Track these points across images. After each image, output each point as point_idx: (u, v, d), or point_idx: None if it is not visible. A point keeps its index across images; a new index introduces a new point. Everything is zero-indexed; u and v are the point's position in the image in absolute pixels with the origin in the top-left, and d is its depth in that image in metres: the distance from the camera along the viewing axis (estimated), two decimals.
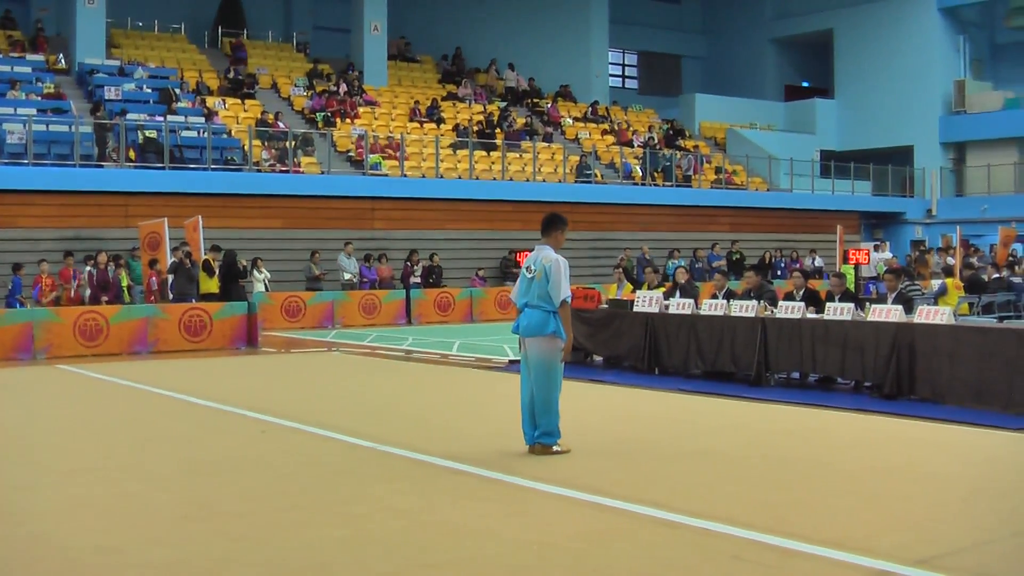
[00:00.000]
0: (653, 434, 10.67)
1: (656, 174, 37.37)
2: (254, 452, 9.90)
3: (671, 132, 42.04)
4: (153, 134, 27.68)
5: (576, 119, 40.99)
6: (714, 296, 16.17)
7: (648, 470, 8.90)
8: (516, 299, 9.86)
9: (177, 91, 31.16)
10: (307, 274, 27.40)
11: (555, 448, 9.48)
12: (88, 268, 23.01)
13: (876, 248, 34.32)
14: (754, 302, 14.92)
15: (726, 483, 8.34)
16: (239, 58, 36.60)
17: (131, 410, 12.94)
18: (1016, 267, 25.32)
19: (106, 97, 29.78)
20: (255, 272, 25.97)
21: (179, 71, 34.14)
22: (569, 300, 9.54)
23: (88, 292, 22.67)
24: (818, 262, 35.31)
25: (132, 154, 27.19)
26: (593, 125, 40.81)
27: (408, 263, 28.77)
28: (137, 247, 24.33)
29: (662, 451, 9.73)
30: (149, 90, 31.06)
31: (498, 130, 35.97)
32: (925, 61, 44.69)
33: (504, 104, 39.37)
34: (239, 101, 32.88)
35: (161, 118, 28.54)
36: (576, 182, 34.63)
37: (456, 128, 35.44)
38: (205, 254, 23.08)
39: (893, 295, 14.71)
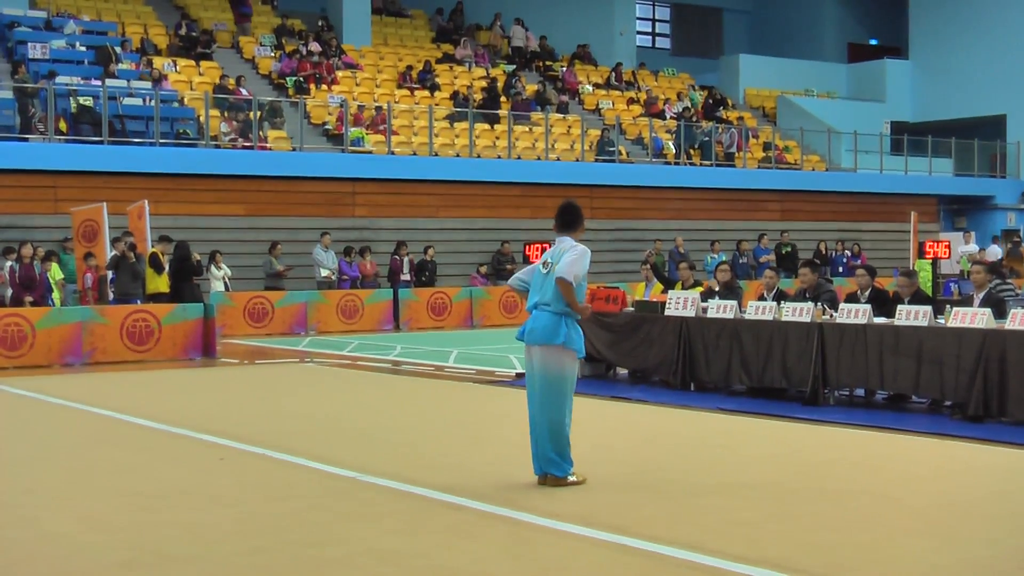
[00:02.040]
0: (687, 462, 10.68)
1: (692, 151, 37.38)
2: (210, 483, 9.92)
3: (710, 101, 42.06)
4: (88, 102, 27.71)
5: (597, 86, 41.03)
6: (762, 297, 16.16)
7: (680, 505, 8.90)
8: (525, 291, 9.85)
9: (117, 50, 31.19)
10: (266, 270, 27.40)
11: (569, 479, 9.47)
12: (9, 263, 23.03)
13: (965, 239, 34.31)
14: (810, 304, 14.91)
15: (773, 521, 8.35)
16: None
17: (61, 434, 12.97)
18: None
19: (30, 56, 29.82)
20: (212, 268, 26.02)
21: (120, 26, 34.21)
22: (572, 282, 9.32)
23: (9, 292, 22.70)
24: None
25: (63, 125, 27.22)
26: (617, 93, 40.83)
27: (396, 257, 28.81)
28: (70, 238, 24.37)
29: (697, 482, 9.74)
30: (83, 48, 31.10)
31: (503, 99, 36.00)
32: (1021, 13, 44.52)
33: (511, 68, 39.39)
34: (193, 63, 32.92)
35: (98, 82, 28.57)
36: (596, 161, 34.65)
37: (453, 96, 35.46)
38: (152, 246, 23.11)
39: (980, 295, 14.65)
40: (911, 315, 13.73)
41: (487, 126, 34.31)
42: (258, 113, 29.96)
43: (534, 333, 9.52)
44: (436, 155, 31.90)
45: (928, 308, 13.78)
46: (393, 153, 31.27)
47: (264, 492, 9.54)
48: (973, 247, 34.30)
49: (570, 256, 9.39)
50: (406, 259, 28.88)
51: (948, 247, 30.77)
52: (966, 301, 15.23)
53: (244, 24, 37.03)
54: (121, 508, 8.96)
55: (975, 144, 42.91)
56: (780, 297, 16.02)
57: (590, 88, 40.48)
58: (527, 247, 18.09)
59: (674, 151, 36.92)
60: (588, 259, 9.54)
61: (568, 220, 9.79)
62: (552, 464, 9.44)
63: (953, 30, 46.00)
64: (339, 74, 34.68)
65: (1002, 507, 8.97)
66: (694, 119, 39.13)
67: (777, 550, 7.53)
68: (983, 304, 14.09)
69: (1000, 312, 13.57)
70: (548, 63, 41.56)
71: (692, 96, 41.86)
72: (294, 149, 30.18)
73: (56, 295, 23.24)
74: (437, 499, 9.14)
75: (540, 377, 9.52)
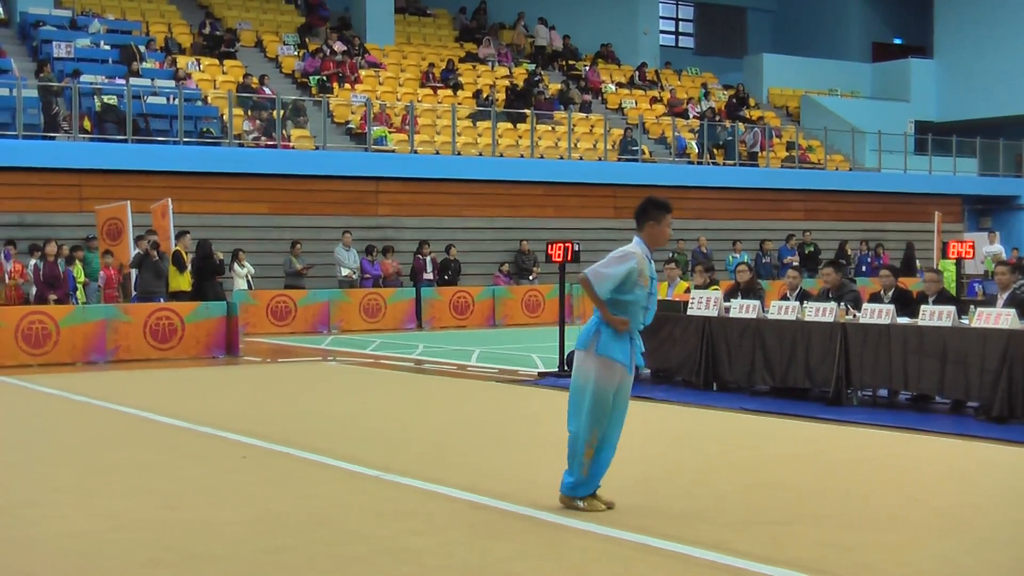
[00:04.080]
0: (709, 462, 10.66)
1: (716, 151, 37.32)
2: (234, 482, 9.95)
3: (734, 100, 41.98)
4: (113, 100, 27.82)
5: (620, 85, 40.99)
6: (784, 297, 16.13)
7: (704, 505, 8.89)
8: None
9: (142, 49, 31.30)
10: (286, 269, 27.47)
11: (577, 502, 8.64)
12: (34, 261, 23.16)
13: (990, 239, 34.13)
14: (833, 304, 14.87)
15: (797, 521, 8.33)
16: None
17: (86, 432, 13.02)
18: None
19: (55, 55, 29.96)
20: (236, 266, 26.08)
21: (144, 25, 34.31)
22: (589, 278, 8.63)
23: (33, 289, 22.80)
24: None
25: (87, 124, 27.34)
26: (640, 92, 40.79)
27: (418, 256, 28.84)
28: (94, 236, 24.45)
29: (721, 482, 9.72)
30: (107, 47, 31.22)
31: (528, 98, 35.97)
32: None
33: (534, 67, 39.39)
34: (216, 62, 33.01)
35: (122, 81, 28.69)
36: (619, 160, 34.62)
37: (476, 96, 35.48)
38: (175, 244, 23.18)
39: (1005, 295, 14.59)
40: (935, 315, 13.68)
41: (510, 125, 34.30)
42: (281, 112, 30.01)
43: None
44: (459, 154, 31.92)
45: (952, 308, 13.73)
46: (416, 152, 31.31)
47: (287, 490, 9.55)
48: (998, 247, 34.16)
49: (608, 257, 8.78)
50: (428, 258, 28.91)
51: (972, 247, 30.60)
52: (990, 301, 15.18)
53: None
54: (145, 506, 8.98)
55: (1000, 144, 42.71)
56: (803, 297, 15.99)
57: (613, 87, 40.45)
58: (549, 246, 18.05)
59: (697, 151, 36.88)
60: (625, 264, 8.67)
61: (637, 217, 9.04)
62: (566, 484, 8.73)
63: (978, 29, 45.80)
64: (362, 73, 34.72)
65: None
66: (718, 119, 39.06)
67: (802, 551, 7.51)
68: (1007, 304, 14.04)
69: None
70: (572, 62, 41.53)
71: (701, 96, 41.66)
72: (317, 148, 30.23)
73: (80, 293, 23.36)
74: (460, 498, 9.14)
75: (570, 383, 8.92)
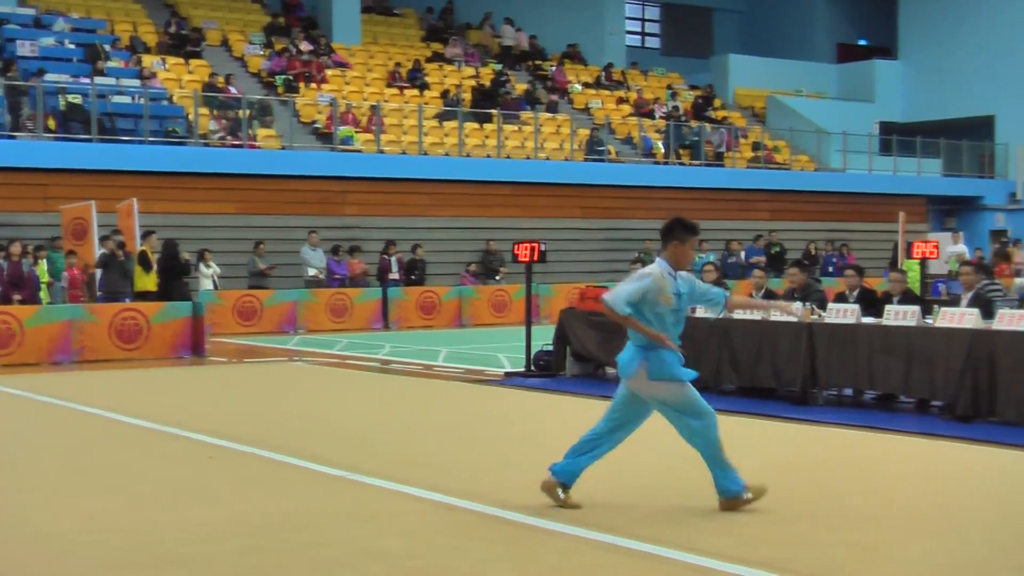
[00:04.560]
0: (678, 462, 10.68)
1: (682, 151, 37.42)
2: (201, 483, 9.92)
3: (700, 101, 42.08)
4: (78, 100, 27.68)
5: (586, 85, 41.03)
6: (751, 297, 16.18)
7: (673, 505, 8.92)
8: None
9: (107, 48, 31.16)
10: (250, 269, 27.38)
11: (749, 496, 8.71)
12: None
13: (954, 239, 34.30)
14: (799, 304, 14.94)
15: (765, 521, 8.36)
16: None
17: (51, 433, 12.95)
18: None
19: (19, 54, 29.75)
20: (202, 266, 26.00)
21: (109, 23, 34.14)
22: (608, 302, 8.62)
23: None
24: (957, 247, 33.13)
25: (52, 123, 27.17)
26: (607, 92, 40.83)
27: (385, 256, 28.81)
28: (59, 236, 24.33)
29: (689, 483, 9.73)
30: (72, 46, 31.04)
31: (495, 98, 35.97)
32: (1011, 13, 44.51)
33: (501, 67, 39.39)
34: (182, 61, 32.88)
35: (87, 80, 28.53)
36: (586, 160, 34.67)
37: (443, 96, 35.45)
38: (141, 244, 23.08)
39: (969, 296, 14.70)
40: (900, 315, 13.77)
41: (477, 125, 34.31)
42: (247, 111, 29.93)
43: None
44: (425, 154, 31.91)
45: (917, 308, 13.83)
46: (383, 152, 31.27)
47: (256, 492, 9.53)
48: (962, 247, 34.35)
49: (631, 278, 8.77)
50: (395, 258, 28.89)
51: (936, 247, 30.79)
52: (955, 301, 15.29)
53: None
54: (113, 507, 8.95)
55: (964, 145, 43.02)
56: (769, 297, 16.04)
57: (580, 87, 40.49)
58: (516, 246, 18.08)
59: (663, 151, 36.95)
60: (640, 282, 8.66)
61: (662, 236, 9.10)
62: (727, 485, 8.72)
63: (943, 31, 46.04)
64: (329, 73, 34.66)
65: (993, 508, 8.99)
66: (684, 119, 39.17)
67: (771, 550, 7.54)
68: (971, 304, 14.13)
69: (988, 312, 13.62)
70: (538, 62, 41.55)
71: (667, 96, 41.72)
72: (284, 148, 30.16)
73: (43, 293, 23.23)
74: (430, 499, 9.14)
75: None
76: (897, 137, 42.12)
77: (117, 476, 10.22)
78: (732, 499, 8.62)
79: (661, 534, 7.93)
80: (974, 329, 13.01)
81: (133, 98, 28.72)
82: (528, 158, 33.67)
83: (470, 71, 38.31)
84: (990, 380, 12.81)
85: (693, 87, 44.45)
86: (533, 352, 17.98)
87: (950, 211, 43.11)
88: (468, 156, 32.70)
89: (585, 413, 13.65)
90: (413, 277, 29.15)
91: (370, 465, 10.47)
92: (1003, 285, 17.86)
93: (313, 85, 33.56)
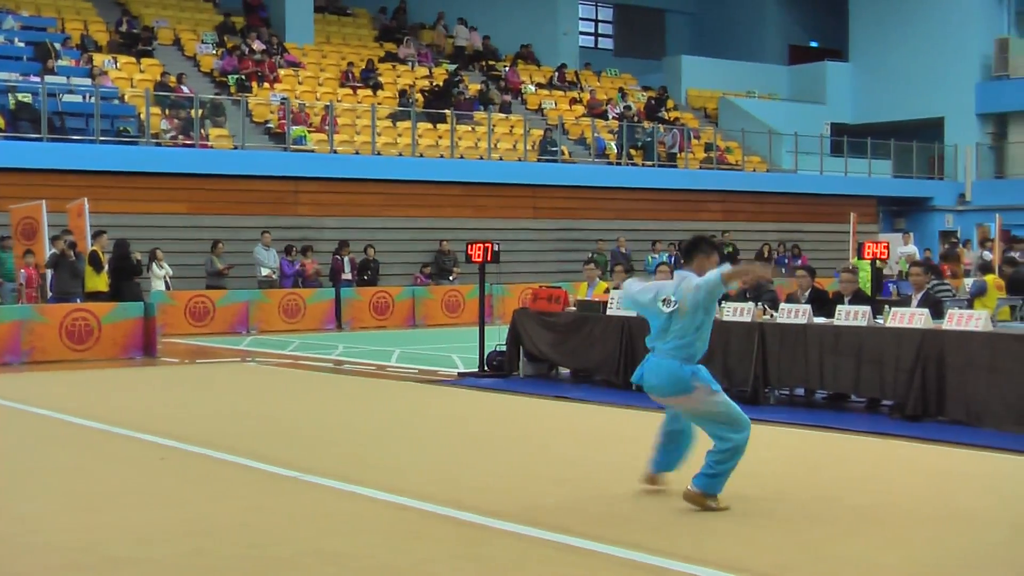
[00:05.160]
0: (629, 462, 10.69)
1: (634, 152, 37.50)
2: (151, 484, 9.86)
3: (653, 102, 42.19)
4: (27, 98, 27.46)
5: (540, 86, 41.03)
6: None
7: (623, 504, 8.93)
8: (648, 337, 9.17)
9: (57, 46, 30.92)
10: (208, 269, 27.26)
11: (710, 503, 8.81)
12: None
13: (904, 240, 34.49)
14: (750, 304, 15.00)
15: (716, 520, 8.39)
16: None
17: None
18: None
19: None
20: (154, 267, 25.83)
21: (59, 21, 33.88)
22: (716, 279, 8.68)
23: None
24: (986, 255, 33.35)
25: (1, 122, 26.94)
26: (560, 93, 40.86)
27: (338, 256, 28.72)
28: (8, 236, 24.13)
29: (638, 485, 9.76)
30: (22, 44, 30.78)
31: (448, 98, 35.94)
32: (960, 16, 44.86)
33: (454, 67, 39.36)
34: (134, 60, 32.66)
35: (37, 79, 28.30)
36: (539, 160, 34.68)
37: (402, 95, 35.36)
38: (91, 244, 22.92)
39: (919, 296, 14.80)
40: (850, 315, 13.85)
41: (430, 125, 34.26)
42: (199, 111, 29.76)
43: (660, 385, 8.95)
44: (379, 154, 31.82)
45: (867, 308, 13.91)
46: (336, 152, 31.17)
47: (206, 492, 9.49)
48: (912, 248, 34.59)
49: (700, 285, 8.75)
50: (347, 258, 28.81)
51: (887, 248, 30.96)
52: (905, 301, 15.38)
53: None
54: (62, 509, 8.88)
55: (914, 146, 43.30)
56: (721, 297, 16.07)
57: (533, 88, 40.51)
58: (469, 246, 18.06)
59: (616, 151, 37.03)
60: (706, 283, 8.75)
61: (686, 250, 9.28)
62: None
63: (893, 33, 46.33)
64: (281, 72, 34.51)
65: (942, 506, 9.05)
66: (636, 120, 39.25)
67: (721, 549, 7.56)
68: (921, 304, 14.23)
69: (938, 312, 13.72)
70: (491, 63, 41.53)
71: (618, 97, 41.78)
72: (236, 147, 30.01)
73: None
74: (381, 499, 9.12)
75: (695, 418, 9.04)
76: (848, 138, 42.33)
77: (65, 478, 10.14)
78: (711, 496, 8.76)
79: (611, 534, 7.93)
80: (924, 329, 13.11)
81: (84, 97, 28.51)
82: (481, 158, 33.65)
83: (423, 71, 38.25)
84: (939, 380, 12.91)
85: (646, 88, 44.56)
86: (486, 352, 17.97)
87: (900, 212, 43.41)
88: (421, 156, 32.64)
89: (538, 413, 13.68)
90: (366, 277, 29.09)
91: (322, 466, 10.43)
92: (952, 285, 18.02)
93: (266, 85, 33.42)
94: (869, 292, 19.79)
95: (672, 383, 8.83)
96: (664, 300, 8.92)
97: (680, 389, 8.80)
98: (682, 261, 9.30)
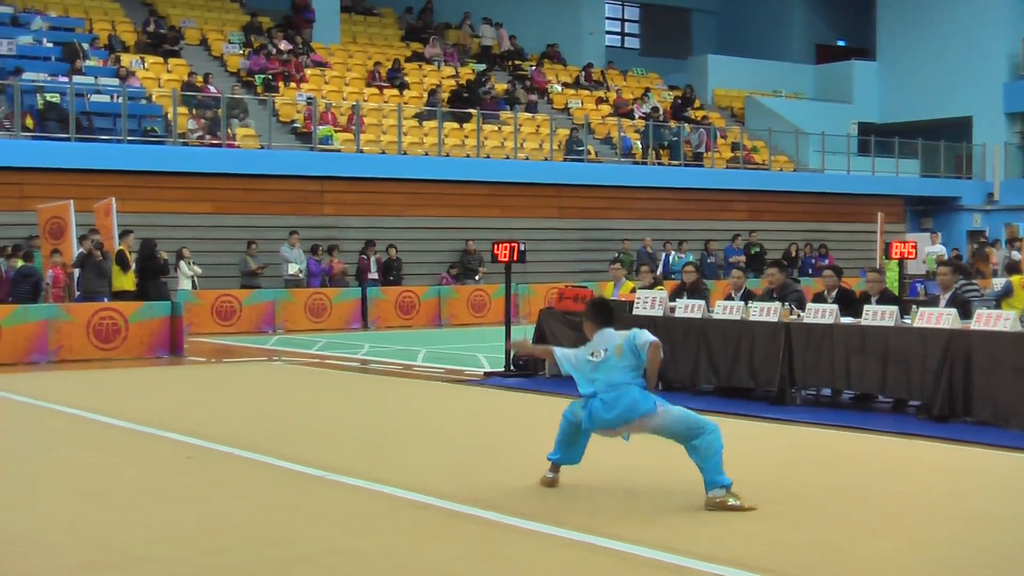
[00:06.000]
0: (653, 462, 10.66)
1: (661, 151, 37.42)
2: (176, 482, 9.86)
3: (679, 101, 42.10)
4: (55, 98, 27.55)
5: (566, 85, 41.01)
6: (729, 297, 16.18)
7: (647, 504, 8.90)
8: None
9: (85, 46, 31.04)
10: (242, 268, 27.36)
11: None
12: None
13: (932, 240, 34.32)
14: (777, 304, 14.94)
15: (740, 520, 8.35)
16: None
17: (25, 432, 12.87)
18: None
19: None
20: (183, 265, 25.91)
21: (87, 22, 34.01)
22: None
23: None
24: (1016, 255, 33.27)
25: (29, 122, 27.06)
26: (586, 92, 40.82)
27: (364, 256, 28.74)
28: (36, 235, 24.21)
29: (664, 481, 9.73)
30: (50, 44, 30.91)
31: (474, 98, 35.92)
32: (987, 15, 44.62)
33: (480, 67, 39.36)
34: (161, 60, 32.76)
35: (65, 79, 28.42)
36: (565, 160, 34.65)
37: (431, 95, 35.35)
38: (119, 243, 22.97)
39: (947, 296, 14.70)
40: (877, 315, 13.77)
41: (456, 125, 34.26)
42: (226, 111, 29.79)
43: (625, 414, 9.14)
44: (405, 154, 31.84)
45: (894, 308, 13.83)
46: (362, 152, 31.20)
47: (230, 491, 9.49)
48: (940, 247, 34.43)
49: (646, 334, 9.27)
50: (374, 258, 28.83)
51: (915, 248, 30.84)
52: (932, 301, 15.30)
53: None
54: (85, 508, 8.89)
55: (941, 146, 43.10)
56: (747, 297, 16.03)
57: (559, 88, 40.48)
58: (495, 246, 18.04)
59: (642, 151, 36.97)
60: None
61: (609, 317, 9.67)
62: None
63: (920, 32, 46.12)
64: (308, 72, 34.57)
65: (967, 507, 8.99)
66: (662, 119, 39.17)
67: (744, 549, 7.52)
68: (949, 304, 14.13)
69: (966, 312, 13.63)
70: (518, 62, 41.52)
71: (647, 96, 41.71)
72: (262, 147, 30.06)
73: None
74: (405, 498, 9.10)
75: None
76: (875, 138, 42.18)
77: (90, 477, 10.15)
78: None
79: (634, 533, 7.91)
80: (951, 329, 13.02)
81: (111, 97, 28.62)
82: (507, 158, 33.64)
83: (449, 71, 38.26)
84: (966, 380, 12.83)
85: (672, 87, 44.48)
86: (512, 352, 17.95)
87: (927, 212, 43.21)
88: (447, 156, 32.65)
89: (558, 413, 13.62)
90: (391, 277, 29.11)
91: (346, 465, 10.43)
92: (980, 285, 17.92)
93: (292, 84, 33.47)
94: (896, 292, 19.72)
95: (643, 405, 9.18)
96: (592, 353, 9.31)
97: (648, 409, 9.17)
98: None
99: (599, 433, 9.27)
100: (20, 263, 23.24)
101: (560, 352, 9.58)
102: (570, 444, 9.50)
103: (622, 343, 9.22)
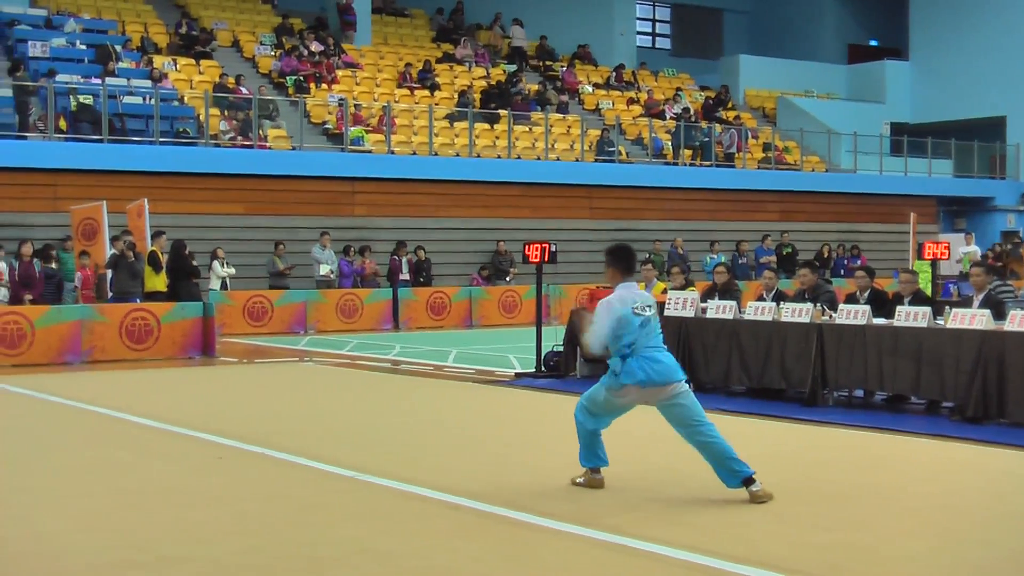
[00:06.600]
0: (684, 463, 10.63)
1: (693, 151, 37.34)
2: (207, 482, 9.89)
3: (710, 101, 42.03)
4: (88, 100, 27.69)
5: (597, 86, 40.98)
6: (761, 298, 16.13)
7: (678, 505, 8.89)
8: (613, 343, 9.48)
9: (118, 48, 31.18)
10: (270, 269, 27.42)
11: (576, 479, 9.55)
12: (8, 261, 23.00)
13: (966, 240, 34.17)
14: (809, 305, 14.88)
15: (772, 522, 8.33)
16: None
17: (59, 432, 12.93)
18: None
19: (30, 54, 29.78)
20: (216, 265, 26.01)
21: (120, 24, 34.18)
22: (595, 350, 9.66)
23: (8, 290, 22.67)
24: None
25: (63, 124, 27.19)
26: (617, 93, 40.78)
27: (395, 257, 28.78)
28: (69, 236, 24.33)
29: (695, 483, 9.70)
30: (83, 47, 31.08)
31: (505, 98, 35.95)
32: (1020, 14, 44.36)
33: (511, 68, 39.37)
34: (193, 61, 32.89)
35: (98, 81, 28.55)
36: (596, 161, 34.62)
37: (462, 96, 35.40)
38: (151, 244, 23.06)
39: (980, 297, 14.61)
40: (910, 316, 13.70)
41: (487, 126, 34.28)
42: (257, 112, 29.87)
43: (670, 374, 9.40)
44: (436, 155, 31.88)
45: (927, 309, 13.76)
46: (393, 152, 31.24)
47: (261, 491, 9.51)
48: (974, 248, 34.26)
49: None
50: (405, 259, 28.87)
51: (948, 248, 30.69)
52: (965, 302, 15.21)
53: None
54: (116, 507, 8.93)
55: (975, 146, 42.88)
56: (779, 298, 15.98)
57: (590, 88, 40.45)
58: (526, 247, 18.03)
59: (673, 151, 36.90)
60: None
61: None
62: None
63: (953, 32, 45.93)
64: (339, 73, 34.66)
65: (1000, 509, 8.95)
66: (694, 119, 39.08)
67: (775, 551, 7.50)
68: (982, 305, 14.05)
69: (999, 313, 13.55)
70: (548, 63, 41.53)
71: (679, 96, 41.66)
72: (294, 148, 30.15)
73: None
74: (435, 499, 9.11)
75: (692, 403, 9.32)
76: (907, 138, 42.02)
77: (122, 476, 10.20)
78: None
79: (663, 534, 7.90)
80: (985, 330, 12.95)
81: (144, 99, 28.74)
82: (538, 159, 33.63)
83: (480, 72, 38.30)
84: (1000, 381, 12.77)
85: (703, 88, 44.40)
86: (543, 353, 17.93)
87: (960, 212, 43.00)
88: (478, 157, 32.68)
89: None
90: (422, 278, 29.13)
91: (377, 465, 10.44)
92: (1014, 286, 17.81)
93: (323, 86, 33.56)
94: (929, 293, 19.62)
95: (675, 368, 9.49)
96: (636, 309, 9.51)
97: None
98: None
99: (623, 400, 9.44)
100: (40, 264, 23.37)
101: (604, 304, 9.65)
102: (592, 444, 9.60)
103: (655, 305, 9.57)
